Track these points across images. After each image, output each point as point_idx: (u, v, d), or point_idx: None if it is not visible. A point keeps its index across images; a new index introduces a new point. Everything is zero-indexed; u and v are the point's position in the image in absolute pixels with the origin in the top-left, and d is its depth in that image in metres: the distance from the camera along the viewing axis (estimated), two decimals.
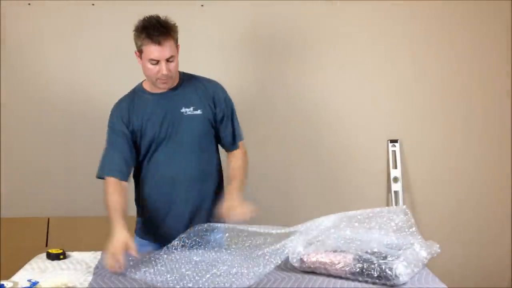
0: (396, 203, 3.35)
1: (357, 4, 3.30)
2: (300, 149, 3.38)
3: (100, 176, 2.18)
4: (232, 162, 2.29)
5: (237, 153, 2.30)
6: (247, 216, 2.01)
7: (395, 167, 3.38)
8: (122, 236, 1.92)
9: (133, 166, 2.21)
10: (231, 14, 3.28)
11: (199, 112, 2.20)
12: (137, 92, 2.25)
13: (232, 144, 2.30)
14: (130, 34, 3.34)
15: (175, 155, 2.19)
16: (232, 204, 2.07)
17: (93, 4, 3.22)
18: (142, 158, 2.22)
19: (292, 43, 3.34)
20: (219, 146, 2.34)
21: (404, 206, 1.97)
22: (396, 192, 3.36)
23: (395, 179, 3.37)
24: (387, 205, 3.40)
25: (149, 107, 2.19)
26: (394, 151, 3.38)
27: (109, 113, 3.34)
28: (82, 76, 3.27)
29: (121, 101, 2.25)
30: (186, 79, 2.25)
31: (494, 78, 3.39)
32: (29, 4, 3.21)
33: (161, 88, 2.17)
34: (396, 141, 3.39)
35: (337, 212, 1.99)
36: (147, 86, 2.23)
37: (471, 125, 3.42)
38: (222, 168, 2.34)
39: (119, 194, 2.09)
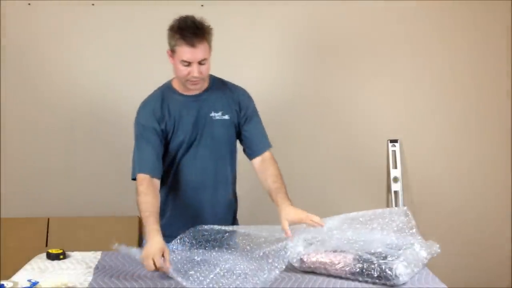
0: (396, 203, 3.34)
1: (354, 4, 3.30)
2: (300, 149, 3.37)
3: (135, 178, 2.10)
4: (267, 169, 2.18)
5: (268, 159, 2.21)
6: (322, 223, 1.92)
7: (395, 167, 3.37)
8: (159, 243, 1.85)
9: (162, 166, 2.15)
10: (231, 14, 3.28)
11: (226, 117, 2.18)
12: (166, 90, 2.20)
13: (261, 148, 2.23)
14: (130, 34, 3.35)
15: (203, 159, 2.16)
16: (301, 215, 1.98)
17: (93, 4, 3.22)
18: (170, 161, 2.17)
19: (291, 42, 3.34)
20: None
21: (405, 208, 1.96)
22: (396, 192, 3.36)
23: (395, 179, 3.36)
24: (387, 205, 3.40)
25: (180, 108, 2.15)
26: (394, 151, 3.38)
27: (109, 113, 3.34)
28: (82, 76, 3.27)
29: (151, 98, 2.19)
30: (216, 83, 2.22)
31: (494, 78, 3.39)
32: (29, 4, 3.21)
33: (191, 89, 2.14)
34: (396, 141, 3.38)
35: (336, 212, 1.99)
36: (176, 86, 2.19)
37: (471, 125, 3.42)
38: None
39: (152, 194, 2.02)
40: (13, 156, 3.26)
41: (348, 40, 3.35)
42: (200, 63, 2.05)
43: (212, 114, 2.16)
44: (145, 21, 3.23)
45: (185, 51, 2.02)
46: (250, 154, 2.25)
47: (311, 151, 3.38)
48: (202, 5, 3.21)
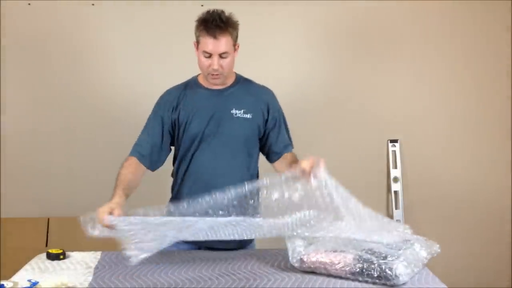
0: (396, 203, 3.35)
1: (351, 4, 3.30)
2: (300, 149, 3.36)
3: None
4: (284, 160, 2.23)
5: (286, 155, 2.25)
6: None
7: (395, 167, 3.38)
8: (112, 203, 1.86)
9: (160, 156, 2.15)
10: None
11: (249, 116, 2.15)
12: (190, 83, 2.20)
13: (283, 151, 2.25)
14: (130, 34, 3.35)
15: (217, 156, 2.13)
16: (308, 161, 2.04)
17: (93, 4, 3.23)
18: (183, 155, 2.16)
19: (289, 42, 3.34)
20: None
21: (399, 220, 1.96)
22: (396, 192, 3.36)
23: (395, 179, 3.37)
24: (387, 204, 3.40)
25: (198, 101, 2.14)
26: (394, 151, 3.38)
27: (108, 112, 3.34)
28: (82, 76, 3.27)
29: (173, 88, 2.21)
30: (241, 81, 2.21)
31: (494, 78, 3.39)
32: (29, 4, 3.21)
33: (212, 83, 2.13)
34: (396, 141, 3.39)
35: None
36: (201, 80, 2.18)
37: (471, 125, 3.42)
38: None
39: (133, 171, 2.05)
40: (13, 156, 3.26)
41: (347, 40, 3.35)
42: (221, 56, 2.05)
43: (234, 111, 2.14)
44: (145, 21, 3.23)
45: (207, 42, 2.03)
46: (271, 157, 2.26)
47: (311, 150, 3.36)
48: (202, 5, 3.21)
